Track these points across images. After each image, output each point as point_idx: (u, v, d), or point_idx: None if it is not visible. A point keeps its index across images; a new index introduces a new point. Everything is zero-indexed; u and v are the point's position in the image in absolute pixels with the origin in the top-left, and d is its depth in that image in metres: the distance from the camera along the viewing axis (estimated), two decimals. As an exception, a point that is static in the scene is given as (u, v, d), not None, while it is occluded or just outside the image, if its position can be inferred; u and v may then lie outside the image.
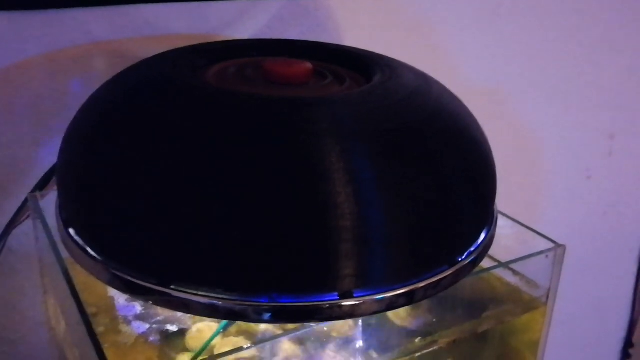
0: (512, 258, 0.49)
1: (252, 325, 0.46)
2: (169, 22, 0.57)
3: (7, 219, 0.53)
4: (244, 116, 0.36)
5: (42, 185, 0.52)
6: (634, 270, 1.13)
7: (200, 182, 0.34)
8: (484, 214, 0.41)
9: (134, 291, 0.36)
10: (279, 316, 0.35)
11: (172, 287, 0.35)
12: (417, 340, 0.44)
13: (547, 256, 0.47)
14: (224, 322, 0.45)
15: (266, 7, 0.61)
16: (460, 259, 0.38)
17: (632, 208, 1.07)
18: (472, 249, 0.39)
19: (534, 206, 0.95)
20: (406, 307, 0.48)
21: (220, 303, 0.34)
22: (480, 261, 0.40)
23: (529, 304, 0.49)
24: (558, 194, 0.96)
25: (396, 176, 0.36)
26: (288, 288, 0.34)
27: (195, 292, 0.34)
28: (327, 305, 0.35)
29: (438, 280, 0.37)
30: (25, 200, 0.52)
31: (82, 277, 0.41)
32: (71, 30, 0.53)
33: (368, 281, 0.35)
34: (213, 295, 0.34)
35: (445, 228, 0.38)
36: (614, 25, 0.89)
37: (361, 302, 0.35)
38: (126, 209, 0.36)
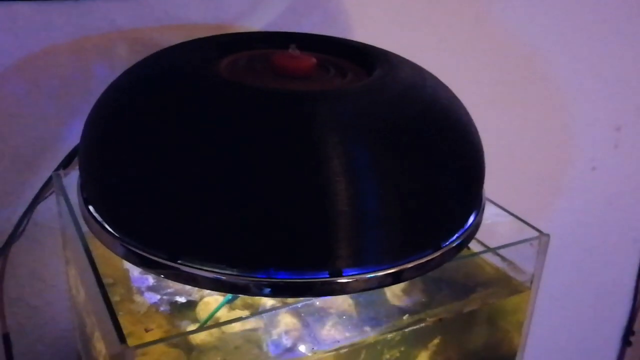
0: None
1: (257, 299, 0.49)
2: (187, 12, 0.60)
3: (33, 194, 0.57)
4: (252, 108, 0.40)
5: (65, 163, 0.55)
6: (637, 260, 1.15)
7: (207, 168, 0.38)
8: (470, 203, 0.44)
9: (146, 265, 0.40)
10: (277, 291, 0.38)
11: (179, 261, 0.38)
12: (404, 318, 0.47)
13: (531, 244, 0.49)
14: (229, 295, 0.48)
15: (280, -1, 0.64)
16: (444, 244, 0.41)
17: (636, 199, 1.08)
18: (457, 234, 0.42)
19: (539, 196, 0.97)
20: (402, 287, 0.51)
21: (224, 278, 0.38)
22: (465, 246, 0.43)
23: (514, 287, 0.51)
24: (564, 185, 0.98)
25: (389, 165, 0.39)
26: (286, 265, 0.38)
27: (200, 266, 0.38)
28: (321, 282, 0.38)
29: (424, 262, 0.40)
30: (50, 178, 0.56)
31: (100, 250, 0.44)
32: (96, 19, 0.56)
33: (359, 261, 0.38)
34: (217, 270, 0.38)
35: (432, 215, 0.41)
36: (622, 19, 0.91)
37: (352, 280, 0.38)
38: (140, 189, 0.39)
